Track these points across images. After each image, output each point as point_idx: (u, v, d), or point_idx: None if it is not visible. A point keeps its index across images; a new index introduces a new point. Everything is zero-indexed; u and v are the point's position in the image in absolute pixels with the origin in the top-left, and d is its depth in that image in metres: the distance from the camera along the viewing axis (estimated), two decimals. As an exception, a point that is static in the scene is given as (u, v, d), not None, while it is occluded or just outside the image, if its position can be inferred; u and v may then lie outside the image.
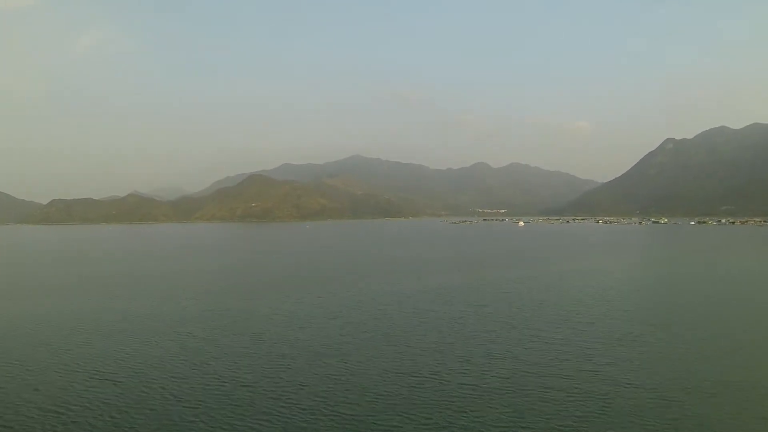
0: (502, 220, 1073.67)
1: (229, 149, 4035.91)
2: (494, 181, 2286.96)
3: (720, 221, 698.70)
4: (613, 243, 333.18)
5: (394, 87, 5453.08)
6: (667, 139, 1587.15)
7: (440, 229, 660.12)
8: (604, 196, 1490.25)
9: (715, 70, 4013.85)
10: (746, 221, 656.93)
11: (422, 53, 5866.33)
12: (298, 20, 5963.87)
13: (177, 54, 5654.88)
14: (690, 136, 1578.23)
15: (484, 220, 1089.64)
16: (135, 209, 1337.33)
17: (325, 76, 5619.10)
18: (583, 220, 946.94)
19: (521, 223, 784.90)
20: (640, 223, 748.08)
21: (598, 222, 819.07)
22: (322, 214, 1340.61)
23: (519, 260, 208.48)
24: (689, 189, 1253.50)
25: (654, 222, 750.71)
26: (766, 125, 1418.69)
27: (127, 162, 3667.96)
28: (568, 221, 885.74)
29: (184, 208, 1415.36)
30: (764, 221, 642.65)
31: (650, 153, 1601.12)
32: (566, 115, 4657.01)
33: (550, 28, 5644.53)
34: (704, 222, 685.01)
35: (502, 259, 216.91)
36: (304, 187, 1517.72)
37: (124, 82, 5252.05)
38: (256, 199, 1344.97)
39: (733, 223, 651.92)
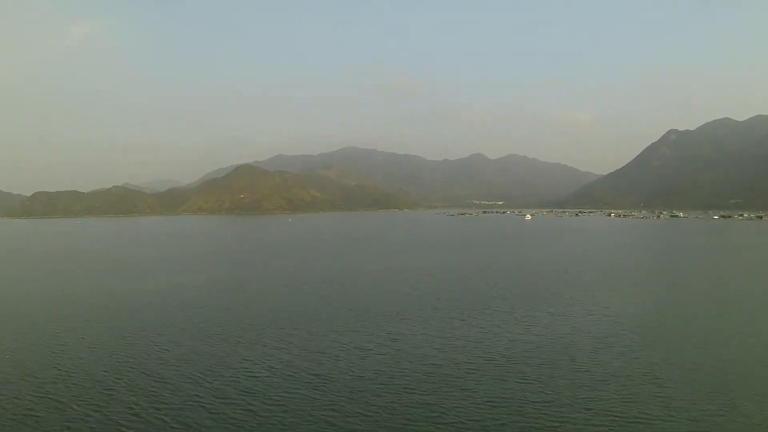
0: (504, 212, 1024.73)
1: (222, 141, 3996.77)
2: (491, 172, 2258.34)
3: (742, 215, 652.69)
4: (667, 245, 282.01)
5: (392, 78, 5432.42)
6: (670, 130, 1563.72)
7: (438, 223, 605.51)
8: (606, 188, 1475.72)
9: (716, 62, 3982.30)
10: None
11: (421, 44, 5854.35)
12: (294, 11, 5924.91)
13: (172, 46, 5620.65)
14: (692, 128, 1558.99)
15: (484, 212, 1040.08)
16: (119, 201, 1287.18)
17: (322, 67, 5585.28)
18: (591, 213, 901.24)
19: (528, 217, 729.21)
20: (659, 216, 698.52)
21: (609, 215, 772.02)
22: (313, 206, 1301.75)
23: (564, 282, 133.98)
24: (695, 181, 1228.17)
25: (672, 216, 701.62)
26: None
27: (120, 154, 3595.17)
28: (577, 214, 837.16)
29: (170, 200, 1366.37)
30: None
31: (653, 144, 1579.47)
32: (565, 106, 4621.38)
33: (550, 19, 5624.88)
34: (728, 216, 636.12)
35: (537, 279, 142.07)
36: (295, 178, 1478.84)
37: (117, 74, 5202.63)
38: (246, 191, 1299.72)
39: (760, 217, 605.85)
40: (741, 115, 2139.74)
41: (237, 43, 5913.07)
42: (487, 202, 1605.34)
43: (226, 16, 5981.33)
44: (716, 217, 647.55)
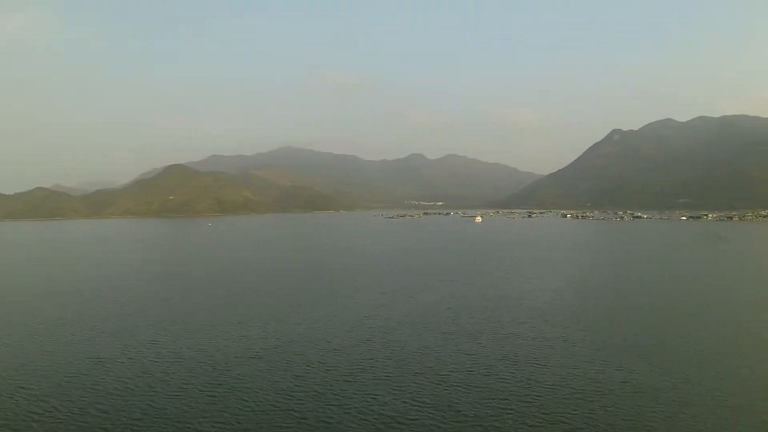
0: (447, 213, 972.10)
1: (159, 141, 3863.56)
2: (431, 173, 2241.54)
3: (706, 215, 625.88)
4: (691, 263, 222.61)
5: (333, 75, 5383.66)
6: (614, 130, 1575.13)
7: (373, 227, 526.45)
8: (550, 188, 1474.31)
9: (658, 63, 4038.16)
10: (745, 216, 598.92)
11: (364, 41, 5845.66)
12: (235, 2, 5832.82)
13: (107, 41, 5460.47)
14: (636, 128, 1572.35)
15: (425, 213, 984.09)
16: (43, 204, 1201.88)
17: (259, 62, 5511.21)
18: (542, 213, 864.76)
19: (479, 219, 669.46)
20: (621, 218, 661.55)
21: (565, 216, 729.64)
22: (246, 207, 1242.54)
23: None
24: (640, 181, 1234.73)
25: (635, 217, 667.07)
26: (712, 118, 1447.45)
27: (53, 153, 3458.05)
28: (529, 215, 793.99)
29: (98, 203, 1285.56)
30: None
31: (596, 144, 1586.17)
32: (506, 104, 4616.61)
33: (492, 19, 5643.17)
34: (698, 218, 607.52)
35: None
36: (227, 178, 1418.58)
37: (51, 69, 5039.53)
38: (176, 192, 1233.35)
39: (730, 218, 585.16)
40: (683, 116, 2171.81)
41: (180, 36, 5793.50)
42: (426, 203, 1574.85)
43: (169, 8, 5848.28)
44: (684, 218, 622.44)
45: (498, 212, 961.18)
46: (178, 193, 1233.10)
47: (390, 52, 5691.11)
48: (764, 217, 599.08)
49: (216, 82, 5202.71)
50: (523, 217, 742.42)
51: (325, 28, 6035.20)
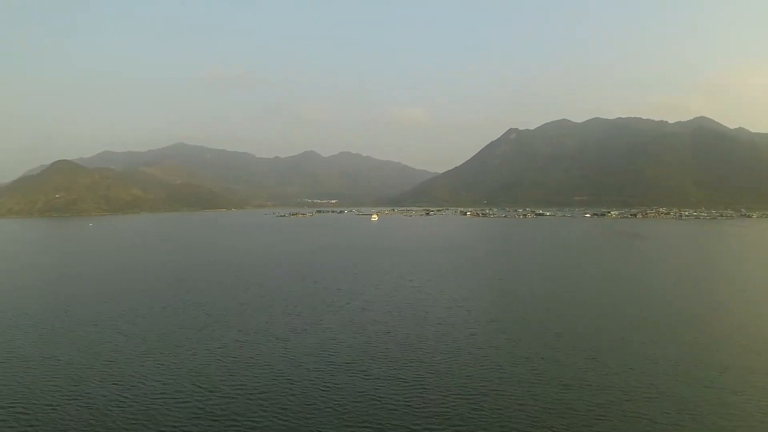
0: (341, 211, 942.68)
1: (45, 136, 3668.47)
2: (324, 170, 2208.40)
3: (607, 213, 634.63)
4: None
5: (225, 69, 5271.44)
6: (510, 129, 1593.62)
7: (261, 227, 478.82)
8: (445, 186, 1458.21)
9: (553, 64, 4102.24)
10: (647, 213, 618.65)
11: (258, 36, 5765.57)
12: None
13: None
14: (532, 127, 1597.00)
15: (318, 211, 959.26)
16: None
17: (154, 57, 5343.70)
18: (440, 211, 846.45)
19: (375, 217, 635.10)
20: (525, 216, 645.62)
21: (465, 214, 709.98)
22: (135, 206, 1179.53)
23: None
24: (535, 179, 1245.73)
25: (538, 214, 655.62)
26: (605, 120, 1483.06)
27: None
28: (427, 213, 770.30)
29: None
30: (677, 211, 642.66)
31: (492, 143, 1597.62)
32: (400, 102, 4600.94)
33: (389, 17, 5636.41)
34: (603, 215, 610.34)
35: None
36: (116, 176, 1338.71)
37: None
38: (62, 190, 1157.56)
39: (634, 215, 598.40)
40: (578, 117, 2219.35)
41: (71, 29, 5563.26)
42: (319, 201, 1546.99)
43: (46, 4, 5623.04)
44: (588, 215, 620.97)
45: (393, 210, 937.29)
46: (64, 190, 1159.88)
47: (285, 49, 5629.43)
48: (665, 214, 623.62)
49: (110, 77, 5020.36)
50: (421, 215, 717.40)
51: (221, 25, 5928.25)
